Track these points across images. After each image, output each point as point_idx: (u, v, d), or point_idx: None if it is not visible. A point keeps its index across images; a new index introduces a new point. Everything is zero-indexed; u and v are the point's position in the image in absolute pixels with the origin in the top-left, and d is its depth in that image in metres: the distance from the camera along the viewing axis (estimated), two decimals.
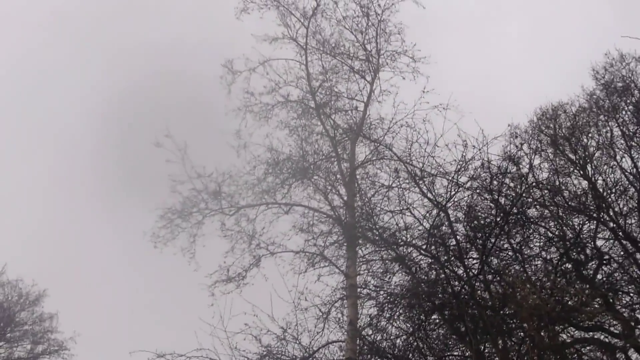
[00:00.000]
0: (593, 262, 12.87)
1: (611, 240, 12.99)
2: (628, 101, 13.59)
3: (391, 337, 12.57)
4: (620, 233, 12.75)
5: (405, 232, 12.31)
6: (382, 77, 17.70)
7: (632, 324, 12.29)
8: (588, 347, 12.47)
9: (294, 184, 17.52)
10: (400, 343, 12.45)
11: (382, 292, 12.79)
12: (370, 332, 13.03)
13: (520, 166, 13.69)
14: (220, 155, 17.73)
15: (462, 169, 12.09)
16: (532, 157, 13.75)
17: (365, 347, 12.96)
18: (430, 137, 12.79)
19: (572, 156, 13.57)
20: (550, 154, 13.92)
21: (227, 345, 11.06)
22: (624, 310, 12.48)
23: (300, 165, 17.48)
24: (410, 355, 12.19)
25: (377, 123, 17.59)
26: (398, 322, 12.57)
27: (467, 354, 11.95)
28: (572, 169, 13.52)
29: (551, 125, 14.16)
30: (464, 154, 12.14)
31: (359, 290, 14.11)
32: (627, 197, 12.96)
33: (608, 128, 13.53)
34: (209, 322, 11.04)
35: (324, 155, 17.52)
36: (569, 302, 12.01)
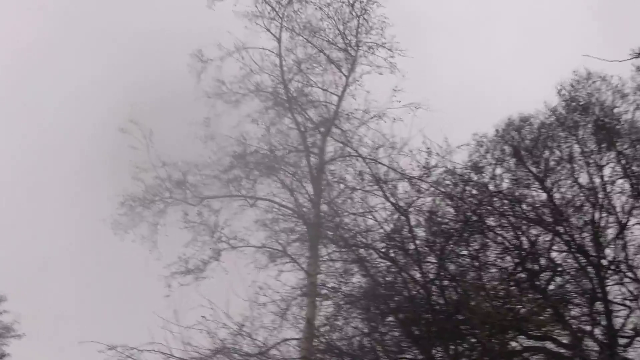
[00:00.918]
0: (546, 273, 13.25)
1: (565, 253, 13.38)
2: (588, 119, 13.99)
3: (347, 337, 12.76)
4: (574, 246, 13.15)
5: (366, 234, 12.50)
6: (358, 71, 17.68)
7: (580, 335, 12.72)
8: (537, 356, 12.83)
9: (260, 178, 17.54)
10: (356, 343, 12.65)
11: (340, 293, 12.96)
12: (326, 331, 13.20)
13: (483, 175, 14.02)
14: (186, 145, 17.59)
15: (425, 175, 12.35)
16: (495, 166, 14.11)
17: (321, 345, 13.13)
18: (397, 141, 13.03)
19: (533, 169, 13.92)
20: (512, 165, 14.24)
21: (180, 339, 11.06)
22: (573, 321, 12.87)
23: (267, 158, 17.49)
24: (365, 356, 12.39)
25: (348, 117, 17.64)
26: (354, 323, 12.77)
27: (420, 357, 12.21)
28: (532, 181, 13.86)
29: (515, 137, 14.48)
30: (428, 160, 12.42)
31: (318, 289, 14.28)
32: (582, 212, 13.37)
33: (568, 144, 13.91)
34: (164, 314, 11.04)
35: (293, 148, 17.53)
36: (521, 311, 12.38)
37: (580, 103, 14.15)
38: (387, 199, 12.40)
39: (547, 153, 13.98)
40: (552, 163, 13.92)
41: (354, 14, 17.46)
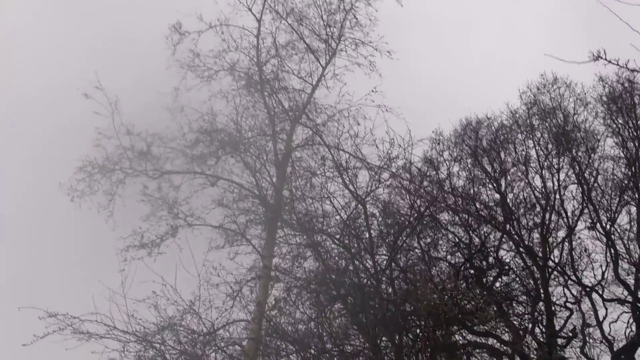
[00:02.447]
0: (493, 271, 13.73)
1: (513, 253, 13.90)
2: (548, 124, 14.47)
3: (295, 321, 12.99)
4: (522, 246, 13.66)
5: (322, 220, 12.70)
6: (337, 65, 17.74)
7: (521, 332, 13.25)
8: (478, 351, 13.31)
9: (224, 157, 17.55)
10: (303, 328, 12.89)
11: (291, 276, 13.16)
12: (275, 315, 13.40)
13: (440, 171, 14.40)
14: (153, 116, 17.45)
15: (386, 165, 12.59)
16: (452, 164, 14.50)
17: (269, 328, 13.32)
18: (360, 130, 13.22)
19: (488, 169, 14.36)
20: (469, 164, 14.66)
21: (124, 312, 11.02)
22: (515, 319, 13.40)
23: (233, 138, 17.49)
24: (311, 340, 12.64)
25: (320, 110, 17.77)
26: (303, 307, 13.00)
27: (365, 345, 12.52)
28: (486, 181, 14.31)
29: (472, 136, 14.90)
30: (390, 151, 12.65)
31: (271, 272, 14.44)
32: (533, 214, 13.87)
33: (525, 147, 14.40)
34: (113, 287, 10.97)
35: (261, 131, 17.56)
36: (467, 306, 12.81)
37: (542, 107, 14.65)
38: (346, 186, 12.60)
39: (503, 154, 14.45)
40: (507, 165, 14.41)
41: (341, 7, 17.57)
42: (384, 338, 12.40)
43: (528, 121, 14.45)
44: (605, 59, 6.73)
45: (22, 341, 9.83)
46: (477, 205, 13.87)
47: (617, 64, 6.86)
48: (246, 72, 17.74)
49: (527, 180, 13.92)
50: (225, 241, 15.86)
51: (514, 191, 14.06)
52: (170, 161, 17.10)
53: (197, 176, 17.32)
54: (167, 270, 13.41)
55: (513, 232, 13.74)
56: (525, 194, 13.96)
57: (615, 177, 13.84)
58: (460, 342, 12.79)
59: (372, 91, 16.48)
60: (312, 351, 12.52)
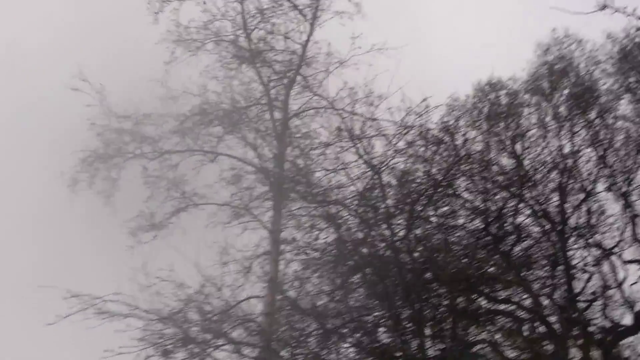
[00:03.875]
0: (511, 237, 14.20)
1: (530, 218, 14.36)
2: (562, 84, 14.85)
3: (312, 294, 13.41)
4: (539, 211, 14.13)
5: (336, 190, 13.05)
6: (323, 18, 17.85)
7: (541, 297, 13.79)
8: (499, 317, 13.83)
9: (222, 134, 17.79)
10: (319, 301, 13.32)
11: (306, 249, 13.53)
12: (291, 289, 13.82)
13: (455, 138, 14.72)
14: (144, 96, 17.65)
15: (401, 134, 12.93)
16: (467, 130, 14.83)
17: (285, 302, 13.75)
18: (374, 96, 13.51)
19: (504, 133, 14.74)
20: (485, 128, 15.01)
21: (146, 291, 11.43)
22: (534, 285, 13.92)
23: (229, 113, 17.71)
24: (328, 313, 13.07)
25: (312, 62, 17.90)
26: (319, 280, 13.41)
27: (385, 315, 12.98)
28: (503, 146, 14.69)
29: (490, 100, 15.24)
30: (405, 118, 12.99)
31: (283, 246, 14.84)
32: (550, 178, 14.32)
33: (542, 108, 14.77)
34: (129, 272, 11.36)
35: (256, 101, 17.78)
36: (488, 272, 13.33)
37: (556, 67, 15.00)
38: (360, 156, 12.94)
39: (519, 118, 14.82)
40: (524, 129, 14.79)
41: None
42: (404, 307, 12.86)
43: (541, 83, 14.81)
44: (613, 8, 7.03)
45: (45, 322, 10.16)
46: (494, 171, 14.26)
47: (625, 12, 7.15)
48: (234, 40, 17.90)
49: (543, 144, 14.31)
50: (231, 218, 16.27)
51: (530, 156, 14.46)
52: (167, 141, 17.41)
53: (195, 154, 17.64)
54: (172, 252, 13.80)
55: (530, 197, 14.18)
56: (541, 158, 14.37)
57: (630, 136, 14.29)
58: (482, 310, 13.29)
59: (353, 37, 16.54)
60: (331, 324, 12.95)
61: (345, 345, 12.95)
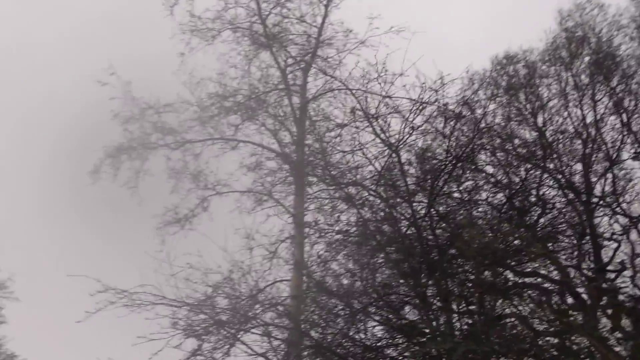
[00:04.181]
0: (536, 210, 14.19)
1: (554, 189, 14.33)
2: (583, 52, 14.70)
3: (337, 275, 13.63)
4: (563, 182, 14.09)
5: (355, 171, 13.17)
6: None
7: (569, 268, 13.79)
8: (527, 291, 13.87)
9: (241, 121, 18.04)
10: (345, 282, 13.53)
11: (329, 231, 13.73)
12: (317, 271, 14.05)
13: (475, 111, 14.70)
14: (164, 86, 18.01)
15: (418, 110, 12.97)
16: (487, 102, 14.80)
17: (311, 284, 14.00)
18: (388, 74, 13.52)
19: (525, 104, 14.68)
20: (504, 101, 14.96)
21: (172, 282, 11.73)
22: (561, 256, 13.92)
23: (248, 100, 17.93)
24: (354, 293, 13.26)
25: (329, 43, 17.99)
26: (344, 261, 13.62)
27: (411, 294, 13.14)
28: (524, 117, 14.64)
29: (508, 72, 15.16)
30: (421, 95, 13.02)
31: (307, 229, 15.05)
32: (573, 148, 14.24)
33: (562, 78, 14.65)
34: (154, 262, 11.66)
35: (273, 86, 17.96)
36: (513, 245, 13.36)
37: (577, 34, 14.83)
38: (377, 135, 13.03)
39: (540, 89, 14.73)
40: (545, 99, 14.70)
41: None
42: (430, 285, 12.99)
43: (564, 51, 14.67)
44: None
45: (74, 315, 10.53)
46: (515, 143, 14.24)
47: None
48: (249, 27, 18.05)
49: (565, 114, 14.23)
50: (254, 205, 16.55)
51: (552, 126, 14.39)
52: (189, 131, 17.74)
53: (216, 142, 17.93)
54: (199, 241, 14.14)
55: (553, 168, 14.14)
56: (563, 129, 14.29)
57: None
58: (509, 283, 13.35)
59: (370, 18, 16.52)
60: (358, 304, 13.15)
61: (373, 323, 13.12)
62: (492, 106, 14.71)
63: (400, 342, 12.80)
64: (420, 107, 12.68)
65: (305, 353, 12.40)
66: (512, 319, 13.12)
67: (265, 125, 17.96)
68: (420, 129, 13.15)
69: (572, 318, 13.09)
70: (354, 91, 14.13)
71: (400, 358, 12.73)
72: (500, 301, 12.94)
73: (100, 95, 17.12)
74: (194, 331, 11.34)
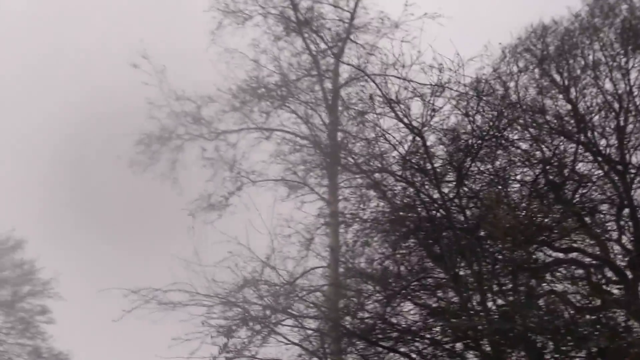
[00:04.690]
0: (571, 184, 14.03)
1: (590, 162, 14.11)
2: (614, 21, 14.27)
3: (371, 260, 13.92)
4: (599, 154, 13.85)
5: (380, 158, 13.34)
6: None
7: (607, 242, 13.63)
8: (564, 267, 13.81)
9: (274, 110, 18.41)
10: (379, 267, 13.81)
11: (360, 219, 14.01)
12: (350, 258, 14.39)
13: (506, 84, 14.55)
14: (199, 76, 18.46)
15: (439, 92, 12.99)
16: (517, 77, 14.64)
17: (347, 271, 14.37)
18: (406, 60, 13.58)
19: (557, 77, 14.42)
20: (535, 74, 14.75)
21: (203, 277, 12.22)
22: (598, 230, 13.76)
23: (280, 87, 18.26)
24: (389, 278, 13.55)
25: (365, 29, 18.10)
26: (377, 247, 13.88)
27: (444, 276, 13.31)
28: (556, 90, 14.40)
29: (538, 45, 14.90)
30: (440, 76, 13.04)
31: (341, 215, 15.40)
32: (607, 119, 13.94)
33: (593, 49, 14.30)
34: (184, 255, 12.19)
35: (306, 72, 18.22)
36: (545, 222, 13.32)
37: (606, 5, 14.42)
38: (400, 119, 13.13)
39: (571, 61, 14.43)
40: (577, 71, 14.40)
41: None
42: (462, 266, 13.12)
43: (593, 21, 14.32)
44: None
45: (108, 320, 11.17)
46: (548, 117, 14.06)
47: None
48: (281, 12, 18.31)
49: (598, 85, 13.92)
50: (289, 192, 16.98)
51: (585, 99, 14.12)
52: (223, 121, 18.21)
53: (250, 132, 18.39)
54: (233, 229, 14.66)
55: (587, 141, 13.92)
56: (597, 101, 14.01)
57: None
58: (543, 261, 13.33)
59: (406, 5, 16.56)
60: (393, 288, 13.43)
61: (408, 307, 13.40)
62: (522, 80, 14.57)
63: (435, 324, 13.03)
64: (440, 89, 12.70)
65: (341, 341, 12.78)
66: (549, 296, 13.12)
67: (297, 113, 18.29)
68: (442, 109, 13.17)
69: (611, 293, 13.01)
70: (378, 77, 14.24)
71: (436, 339, 12.97)
72: (535, 279, 12.96)
73: (133, 78, 17.45)
74: (227, 327, 11.81)
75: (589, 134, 13.98)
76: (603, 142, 13.87)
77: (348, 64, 16.48)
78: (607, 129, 13.95)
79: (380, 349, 12.91)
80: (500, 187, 13.62)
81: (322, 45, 18.54)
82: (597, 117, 14.00)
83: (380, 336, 12.91)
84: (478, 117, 13.61)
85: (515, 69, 14.72)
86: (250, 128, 18.61)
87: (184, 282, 12.13)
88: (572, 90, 14.32)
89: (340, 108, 17.13)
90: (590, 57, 14.12)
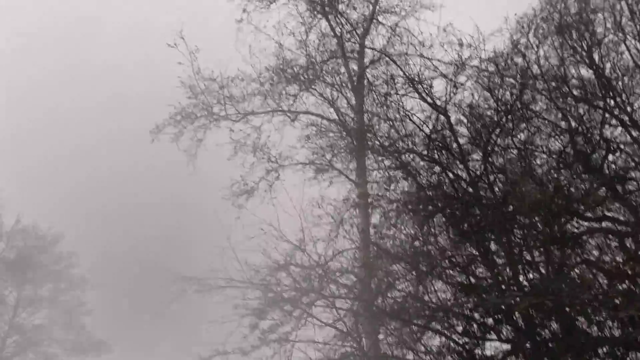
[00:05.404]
0: (599, 151, 13.97)
1: (618, 128, 14.01)
2: None
3: (400, 242, 14.18)
4: (627, 120, 13.74)
5: (406, 138, 13.53)
6: None
7: (638, 208, 13.58)
8: (595, 236, 13.83)
9: (300, 93, 18.68)
10: (409, 248, 14.07)
11: (388, 200, 14.24)
12: (380, 238, 14.68)
13: (524, 55, 14.49)
14: (227, 58, 18.85)
15: (460, 69, 13.07)
16: (537, 46, 14.57)
17: (376, 253, 14.67)
18: (425, 39, 13.67)
19: (578, 43, 14.28)
20: (555, 43, 14.63)
21: (237, 262, 12.70)
22: (630, 197, 13.71)
23: (306, 70, 18.50)
24: (419, 257, 13.80)
25: (389, 11, 18.26)
26: (405, 228, 14.13)
27: (474, 253, 13.50)
28: (578, 57, 14.28)
29: (557, 12, 14.74)
30: (460, 53, 13.10)
31: (368, 198, 15.64)
32: (635, 82, 13.79)
33: (617, 9, 14.09)
34: (218, 243, 12.68)
35: (331, 54, 18.40)
36: (574, 194, 13.35)
37: None
38: (423, 99, 13.27)
39: (592, 25, 14.27)
40: (599, 35, 14.24)
41: None
42: (492, 242, 13.29)
43: None
44: None
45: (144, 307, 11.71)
46: (571, 85, 13.99)
47: None
48: None
49: (625, 46, 13.75)
50: (317, 175, 17.30)
51: (610, 63, 13.98)
52: (250, 103, 18.59)
53: (276, 114, 18.73)
54: (263, 213, 15.08)
55: (614, 106, 13.82)
56: (623, 64, 13.86)
57: None
58: (574, 232, 13.38)
59: None
60: (424, 267, 13.69)
61: (439, 284, 13.66)
62: (544, 49, 14.50)
63: (467, 300, 13.26)
64: (461, 66, 12.78)
65: (374, 321, 13.14)
66: (582, 267, 13.21)
67: (323, 95, 18.52)
68: (465, 85, 13.25)
69: None
70: (400, 57, 14.35)
71: (468, 315, 13.21)
72: (566, 251, 13.05)
73: (168, 56, 18.01)
74: (259, 309, 12.29)
75: (617, 99, 13.88)
76: (630, 107, 13.77)
77: (371, 48, 16.57)
78: (634, 91, 13.84)
79: (413, 328, 13.23)
80: (527, 160, 13.66)
81: (347, 27, 18.68)
82: (621, 81, 13.88)
83: (413, 315, 13.22)
84: (500, 92, 13.63)
85: (533, 40, 14.66)
86: (277, 110, 18.94)
87: (219, 270, 12.62)
88: (596, 55, 14.20)
89: (365, 90, 17.28)
90: (615, 19, 13.96)
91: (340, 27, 18.77)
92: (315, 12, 18.99)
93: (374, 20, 18.53)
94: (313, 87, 18.83)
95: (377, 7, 18.44)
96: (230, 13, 19.08)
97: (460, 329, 12.76)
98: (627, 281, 12.85)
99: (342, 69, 18.83)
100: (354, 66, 18.65)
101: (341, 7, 18.84)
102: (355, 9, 18.75)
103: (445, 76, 12.83)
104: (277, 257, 13.49)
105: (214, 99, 18.62)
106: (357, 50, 18.71)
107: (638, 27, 13.86)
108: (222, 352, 13.10)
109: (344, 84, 18.55)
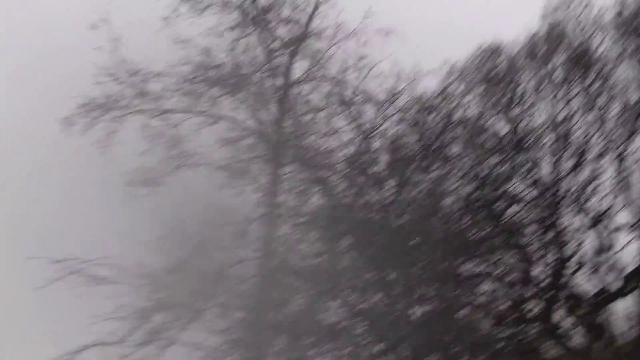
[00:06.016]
0: (503, 202, 14.80)
1: (523, 183, 14.93)
2: (562, 49, 15.13)
3: (303, 257, 14.22)
4: (532, 176, 14.69)
5: (327, 155, 13.68)
6: None
7: (531, 261, 14.48)
8: (489, 280, 14.53)
9: (223, 96, 18.41)
10: (312, 264, 14.12)
11: (298, 213, 14.29)
12: (283, 251, 14.64)
13: (450, 102, 15.18)
14: (152, 53, 18.18)
15: (392, 100, 13.48)
16: (462, 95, 15.30)
17: (280, 264, 14.59)
18: (365, 64, 13.98)
19: (500, 97, 15.17)
20: (482, 93, 15.45)
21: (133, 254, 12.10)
22: (525, 249, 14.59)
23: (231, 76, 18.28)
24: (320, 276, 13.88)
25: (319, 36, 18.47)
26: (311, 243, 14.20)
27: (374, 279, 13.76)
28: (499, 110, 15.15)
29: (487, 65, 15.60)
30: (396, 85, 13.53)
31: (277, 209, 15.57)
32: (543, 143, 14.79)
33: (539, 73, 15.12)
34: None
35: (259, 66, 18.32)
36: (474, 237, 14.03)
37: (556, 29, 15.24)
38: (351, 121, 13.52)
39: (516, 83, 15.21)
40: (519, 94, 15.19)
41: None
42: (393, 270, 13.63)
43: (539, 47, 15.13)
44: None
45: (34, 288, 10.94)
46: (487, 136, 14.77)
47: None
48: (240, 5, 18.36)
49: (538, 109, 14.73)
50: (228, 180, 17.00)
51: (525, 121, 14.91)
52: (169, 100, 18.04)
53: (196, 115, 18.30)
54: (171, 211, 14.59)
55: (523, 162, 14.72)
56: (536, 124, 14.82)
57: (628, 101, 14.65)
58: (469, 273, 14.01)
59: (365, 16, 17.00)
60: (322, 286, 13.78)
61: (335, 304, 13.77)
62: (468, 97, 15.24)
63: (360, 324, 13.47)
64: (394, 98, 13.17)
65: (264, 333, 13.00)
66: (470, 309, 13.80)
67: (246, 103, 18.35)
68: (393, 117, 13.65)
69: (528, 310, 13.81)
70: (334, 79, 14.52)
71: (358, 339, 13.41)
72: (459, 290, 13.60)
73: (85, 40, 16.93)
74: (143, 309, 11.77)
75: (525, 156, 14.80)
76: (536, 165, 14.72)
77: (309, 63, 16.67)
78: (542, 152, 14.82)
79: (302, 345, 13.23)
80: (436, 198, 14.21)
81: (277, 44, 18.70)
82: (533, 140, 14.83)
83: (302, 333, 13.23)
84: (424, 129, 14.16)
85: (462, 87, 15.40)
86: (197, 111, 18.50)
87: (114, 258, 12.03)
88: (515, 110, 15.12)
89: (292, 103, 17.31)
90: (536, 81, 14.96)
91: (271, 42, 18.75)
92: (246, 23, 18.86)
93: (304, 41, 18.61)
94: (236, 94, 18.61)
95: (308, 29, 18.51)
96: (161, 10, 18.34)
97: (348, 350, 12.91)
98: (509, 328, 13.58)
99: (269, 82, 18.74)
100: (282, 80, 18.64)
101: (273, 24, 18.82)
102: (286, 26, 18.79)
103: (375, 104, 13.14)
104: (176, 258, 13.00)
105: (132, 92, 17.82)
106: (286, 65, 18.71)
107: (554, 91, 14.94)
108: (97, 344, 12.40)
109: (268, 97, 18.49)
